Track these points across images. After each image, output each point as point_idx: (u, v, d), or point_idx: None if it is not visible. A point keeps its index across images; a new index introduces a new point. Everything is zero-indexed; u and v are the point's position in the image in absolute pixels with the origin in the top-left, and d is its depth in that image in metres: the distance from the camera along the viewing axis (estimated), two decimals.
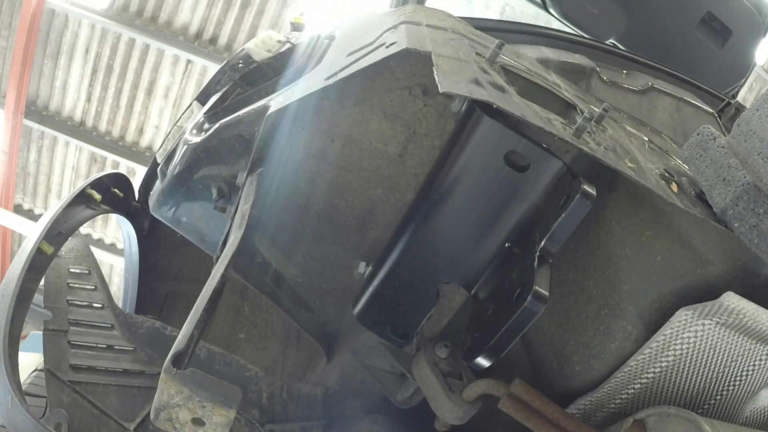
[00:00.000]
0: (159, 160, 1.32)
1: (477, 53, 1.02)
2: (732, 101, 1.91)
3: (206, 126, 1.18)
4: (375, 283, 1.07)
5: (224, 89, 1.44)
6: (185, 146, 1.13)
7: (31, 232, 1.25)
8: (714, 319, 0.82)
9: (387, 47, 0.96)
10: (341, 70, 0.98)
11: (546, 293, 0.80)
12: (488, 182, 0.91)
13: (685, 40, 2.52)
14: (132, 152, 6.73)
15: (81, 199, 1.37)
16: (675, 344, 0.85)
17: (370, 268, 1.12)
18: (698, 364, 0.87)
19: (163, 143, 1.41)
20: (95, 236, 7.02)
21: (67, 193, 1.48)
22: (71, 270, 1.41)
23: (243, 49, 1.60)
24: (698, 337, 0.84)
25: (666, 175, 0.96)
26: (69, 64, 6.45)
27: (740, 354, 0.86)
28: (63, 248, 1.41)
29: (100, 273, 1.45)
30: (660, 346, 0.86)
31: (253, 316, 1.66)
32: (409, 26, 1.07)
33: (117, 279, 6.99)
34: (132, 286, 1.64)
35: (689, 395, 0.90)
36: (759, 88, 6.58)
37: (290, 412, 1.34)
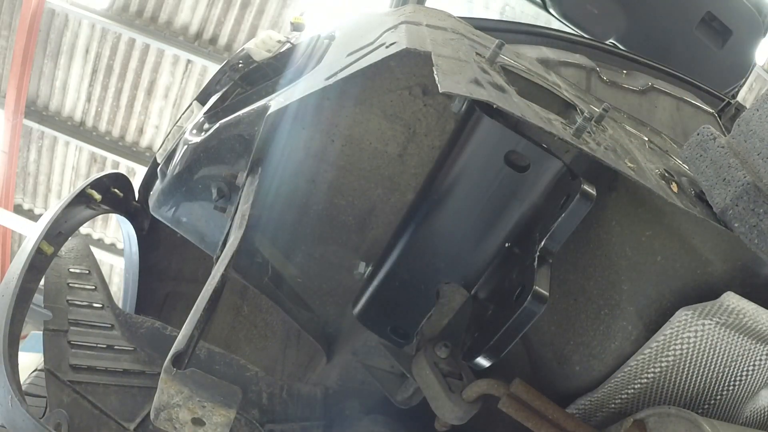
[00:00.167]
0: (159, 160, 1.32)
1: (477, 53, 1.02)
2: (732, 101, 1.91)
3: (206, 126, 1.18)
4: (375, 283, 1.07)
5: (224, 89, 1.44)
6: (185, 146, 1.13)
7: (31, 232, 1.25)
8: (714, 319, 0.82)
9: (387, 47, 0.96)
10: (341, 70, 0.98)
11: (546, 293, 0.80)
12: (488, 182, 0.91)
13: (685, 40, 2.52)
14: (132, 152, 6.73)
15: (81, 199, 1.37)
16: (675, 344, 0.85)
17: (370, 268, 1.12)
18: (698, 364, 0.87)
19: (163, 143, 1.41)
20: (95, 236, 7.02)
21: (67, 193, 1.48)
22: (71, 270, 1.41)
23: (243, 49, 1.60)
24: (698, 337, 0.84)
25: (666, 175, 0.96)
26: (69, 64, 6.45)
27: (740, 354, 0.86)
28: (63, 248, 1.41)
29: (100, 273, 1.45)
30: (660, 346, 0.86)
31: (253, 316, 1.66)
32: (409, 26, 1.07)
33: (117, 279, 6.99)
34: (132, 286, 1.65)
35: (689, 395, 0.90)
36: (759, 88, 6.58)
37: (290, 412, 1.34)
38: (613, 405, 0.93)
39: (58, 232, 1.26)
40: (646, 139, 1.25)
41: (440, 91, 0.77)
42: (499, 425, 1.03)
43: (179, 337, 0.72)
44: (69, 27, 6.37)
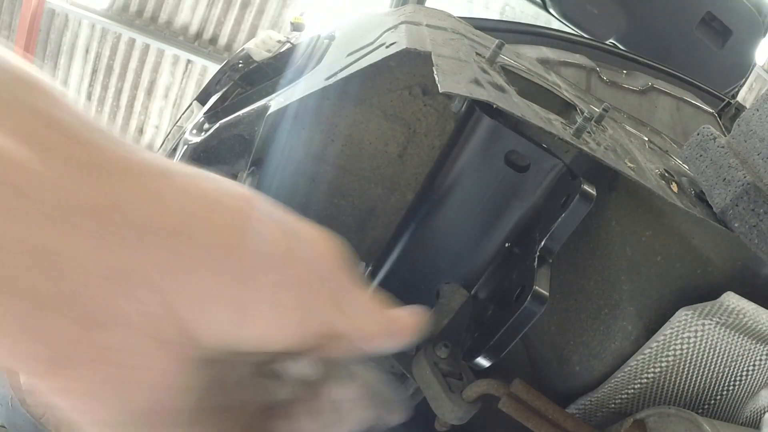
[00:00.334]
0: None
1: (477, 53, 1.02)
2: (732, 101, 1.91)
3: (206, 126, 1.18)
4: (374, 283, 1.07)
5: (224, 89, 1.44)
6: (185, 146, 1.14)
7: None
8: (714, 319, 0.82)
9: (387, 47, 0.96)
10: (341, 70, 0.98)
11: (546, 293, 0.80)
12: (488, 182, 0.91)
13: (685, 40, 2.52)
14: None
15: None
16: (675, 344, 0.85)
17: (369, 268, 1.13)
18: (698, 364, 0.87)
19: (163, 143, 1.41)
20: None
21: None
22: None
23: (243, 49, 1.60)
24: (698, 337, 0.84)
25: (666, 175, 0.96)
26: (69, 64, 6.46)
27: (740, 354, 0.86)
28: None
29: None
30: (660, 346, 0.86)
31: None
32: (409, 26, 1.07)
33: None
34: None
35: (689, 395, 0.90)
36: (759, 88, 6.59)
37: None
38: (613, 405, 0.93)
39: None
40: (646, 139, 1.25)
41: (440, 91, 0.77)
42: (499, 425, 1.03)
43: None
44: (69, 27, 6.37)
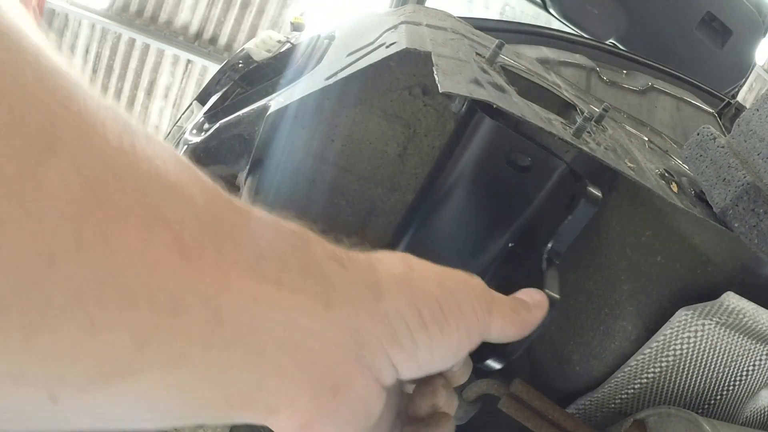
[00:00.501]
0: None
1: (477, 53, 1.02)
2: (732, 101, 1.91)
3: (206, 126, 1.18)
4: None
5: (224, 89, 1.44)
6: (185, 146, 1.14)
7: None
8: (714, 319, 0.82)
9: (387, 47, 0.96)
10: (341, 70, 0.98)
11: (557, 296, 0.80)
12: (490, 183, 0.91)
13: (685, 40, 2.52)
14: None
15: None
16: (675, 344, 0.85)
17: None
18: (698, 364, 0.87)
19: None
20: None
21: None
22: None
23: (243, 49, 1.60)
24: (698, 337, 0.84)
25: (666, 175, 0.96)
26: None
27: (740, 354, 0.86)
28: None
29: None
30: (660, 346, 0.86)
31: None
32: (409, 26, 1.07)
33: None
34: None
35: (689, 395, 0.90)
36: (759, 88, 6.59)
37: None
38: (613, 405, 0.94)
39: None
40: (646, 139, 1.25)
41: (440, 91, 0.77)
42: (499, 425, 1.03)
43: None
44: (69, 27, 6.37)
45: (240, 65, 1.52)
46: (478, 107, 0.88)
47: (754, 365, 0.88)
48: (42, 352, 0.19)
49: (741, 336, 0.84)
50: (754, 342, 0.85)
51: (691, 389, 0.90)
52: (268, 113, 1.01)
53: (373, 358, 0.30)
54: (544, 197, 0.90)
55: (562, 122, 0.87)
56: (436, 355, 0.33)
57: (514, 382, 0.90)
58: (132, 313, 0.20)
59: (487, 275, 0.99)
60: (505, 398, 0.88)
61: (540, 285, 0.82)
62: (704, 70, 2.45)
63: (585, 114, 0.86)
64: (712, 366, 0.87)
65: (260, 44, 1.62)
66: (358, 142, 1.03)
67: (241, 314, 0.23)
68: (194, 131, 1.18)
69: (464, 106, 0.94)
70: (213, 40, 6.42)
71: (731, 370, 0.88)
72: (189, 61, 6.41)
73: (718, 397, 0.91)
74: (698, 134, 1.00)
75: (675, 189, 0.91)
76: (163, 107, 6.60)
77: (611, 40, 2.61)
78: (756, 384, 0.90)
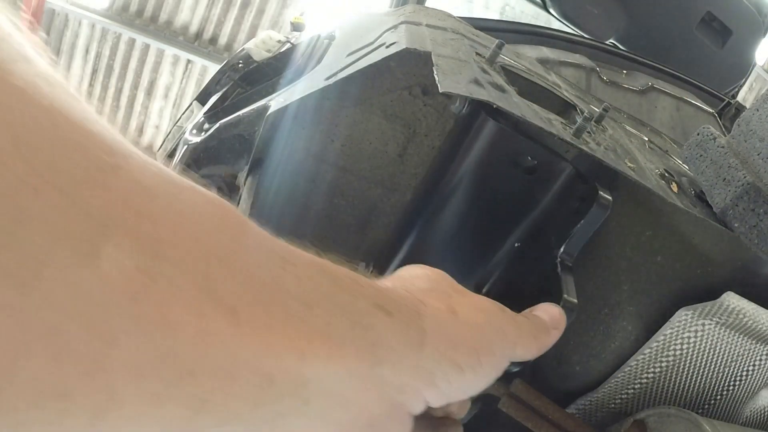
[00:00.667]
0: (159, 161, 1.32)
1: (477, 53, 1.02)
2: (732, 101, 1.91)
3: (206, 126, 1.18)
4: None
5: (224, 89, 1.44)
6: (185, 146, 1.14)
7: None
8: (714, 319, 0.82)
9: (387, 47, 0.96)
10: (341, 70, 0.98)
11: (575, 302, 0.80)
12: (495, 185, 0.91)
13: (685, 40, 2.52)
14: None
15: None
16: (675, 344, 0.85)
17: (370, 268, 1.13)
18: (698, 364, 0.87)
19: (163, 143, 1.41)
20: None
21: None
22: None
23: (243, 49, 1.60)
24: (698, 337, 0.84)
25: (666, 175, 0.96)
26: (69, 63, 6.46)
27: (740, 354, 0.86)
28: None
29: None
30: (660, 346, 0.86)
31: None
32: (409, 26, 1.07)
33: None
34: None
35: (689, 395, 0.90)
36: (759, 88, 6.59)
37: None
38: (613, 405, 0.94)
39: None
40: (646, 139, 1.25)
41: (440, 91, 0.77)
42: (499, 425, 1.04)
43: None
44: (69, 27, 6.37)
45: (240, 65, 1.52)
46: (482, 110, 0.87)
47: (754, 365, 0.88)
48: (109, 430, 0.20)
49: (741, 336, 0.84)
50: (754, 342, 0.85)
51: (691, 389, 0.90)
52: (268, 113, 1.01)
53: (409, 399, 0.31)
54: (551, 200, 0.90)
55: (562, 122, 0.87)
56: (466, 390, 0.35)
57: (514, 382, 0.90)
58: (191, 383, 0.21)
59: (494, 276, 0.99)
60: (505, 398, 0.88)
61: (552, 288, 0.81)
62: (704, 70, 2.45)
63: (585, 114, 0.86)
64: (712, 366, 0.87)
65: (260, 44, 1.62)
66: (358, 142, 1.03)
67: (290, 372, 0.25)
68: (194, 131, 1.18)
69: (465, 107, 0.94)
70: (213, 40, 6.42)
71: (731, 370, 0.88)
72: (189, 61, 6.41)
73: (718, 397, 0.91)
74: (698, 134, 1.00)
75: (675, 189, 0.91)
76: (163, 107, 6.60)
77: (611, 40, 2.61)
78: (756, 384, 0.90)
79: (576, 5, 2.69)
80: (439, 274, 0.40)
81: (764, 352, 0.87)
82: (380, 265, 1.08)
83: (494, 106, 0.77)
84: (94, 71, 6.50)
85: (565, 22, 2.79)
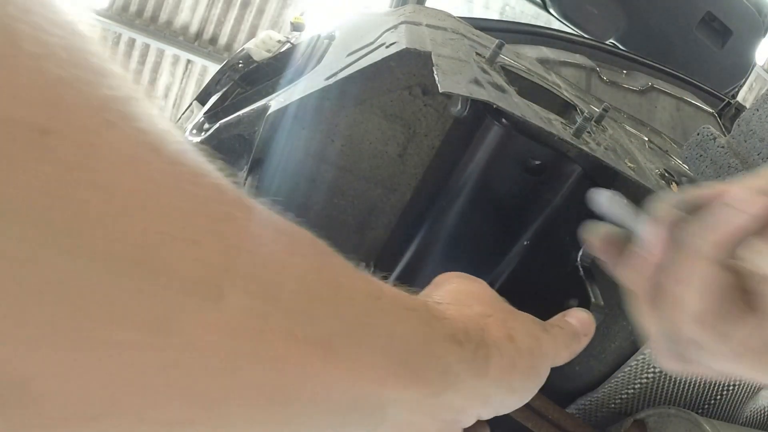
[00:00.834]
0: None
1: (477, 53, 1.02)
2: (732, 101, 1.91)
3: (206, 126, 1.18)
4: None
5: (224, 89, 1.44)
6: None
7: None
8: None
9: (387, 47, 0.96)
10: (341, 70, 0.98)
11: (602, 304, 0.80)
12: (505, 187, 0.91)
13: (685, 40, 2.52)
14: None
15: None
16: None
17: (371, 268, 1.12)
18: None
19: None
20: None
21: None
22: None
23: (243, 49, 1.60)
24: None
25: (666, 175, 0.96)
26: None
27: None
28: None
29: None
30: None
31: None
32: (409, 26, 1.07)
33: None
34: None
35: (689, 395, 0.90)
36: (759, 88, 6.59)
37: None
38: (613, 405, 0.94)
39: None
40: (646, 139, 1.25)
41: (440, 91, 0.77)
42: (499, 425, 1.03)
43: None
44: None
45: (240, 65, 1.52)
46: (488, 113, 0.87)
47: None
48: None
49: None
50: None
51: (691, 389, 0.90)
52: (268, 113, 1.01)
53: (465, 417, 0.35)
54: (561, 200, 0.90)
55: (562, 122, 0.87)
56: (513, 406, 0.39)
57: None
58: (292, 407, 0.25)
59: (506, 273, 0.98)
60: None
61: (571, 286, 0.81)
62: (704, 70, 2.45)
63: (585, 114, 0.86)
64: None
65: (260, 44, 1.62)
66: (358, 142, 1.03)
67: (371, 397, 0.29)
68: (194, 131, 1.18)
69: (467, 109, 0.94)
70: (213, 40, 6.42)
71: None
72: (189, 61, 6.41)
73: (718, 397, 0.91)
74: (698, 134, 1.00)
75: (675, 189, 0.91)
76: (163, 107, 6.60)
77: (611, 40, 2.61)
78: (756, 384, 0.90)
79: (576, 5, 2.69)
80: (488, 292, 0.43)
81: None
82: (385, 264, 1.08)
83: (494, 106, 0.77)
84: None
85: (565, 22, 2.79)
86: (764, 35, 2.62)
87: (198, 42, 6.45)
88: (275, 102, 1.03)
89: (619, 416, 0.92)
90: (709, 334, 0.37)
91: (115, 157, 0.18)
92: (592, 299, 0.79)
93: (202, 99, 1.55)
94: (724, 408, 0.92)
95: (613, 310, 0.95)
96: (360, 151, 1.04)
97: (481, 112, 0.88)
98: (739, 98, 2.54)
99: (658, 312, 0.41)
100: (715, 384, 0.90)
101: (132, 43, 6.39)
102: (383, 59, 0.94)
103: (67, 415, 0.19)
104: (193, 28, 6.44)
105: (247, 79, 1.46)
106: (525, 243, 0.95)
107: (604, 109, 0.97)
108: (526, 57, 1.39)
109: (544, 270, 0.92)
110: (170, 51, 6.39)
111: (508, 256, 0.96)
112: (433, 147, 1.03)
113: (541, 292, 0.90)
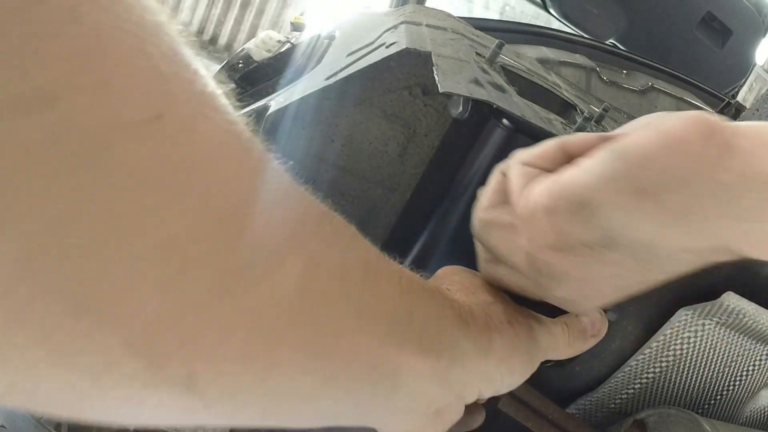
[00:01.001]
0: None
1: (477, 53, 1.02)
2: (732, 101, 1.91)
3: None
4: None
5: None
6: None
7: None
8: (714, 319, 0.82)
9: (387, 47, 0.96)
10: (341, 70, 0.98)
11: (615, 314, 0.80)
12: None
13: (685, 40, 2.52)
14: None
15: None
16: (675, 344, 0.85)
17: None
18: (698, 364, 0.87)
19: None
20: None
21: None
22: None
23: (243, 49, 1.60)
24: (698, 337, 0.84)
25: None
26: None
27: (740, 354, 0.86)
28: None
29: None
30: (660, 346, 0.86)
31: None
32: (409, 26, 1.07)
33: None
34: None
35: (689, 395, 0.90)
36: (759, 88, 6.59)
37: None
38: (613, 405, 0.94)
39: None
40: None
41: (440, 91, 0.77)
42: (499, 425, 1.04)
43: None
44: None
45: (240, 65, 1.52)
46: (492, 115, 0.87)
47: (754, 365, 0.88)
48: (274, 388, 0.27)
49: (741, 336, 0.84)
50: (754, 342, 0.85)
51: (691, 389, 0.90)
52: (268, 113, 1.01)
53: (469, 394, 0.39)
54: None
55: (562, 122, 0.87)
56: (511, 386, 0.43)
57: None
58: (328, 366, 0.29)
59: None
60: (505, 398, 0.88)
61: None
62: (704, 70, 2.45)
63: (585, 114, 0.86)
64: (712, 366, 0.87)
65: (260, 44, 1.62)
66: (358, 142, 1.03)
67: (390, 362, 0.32)
68: None
69: (468, 111, 0.94)
70: (213, 40, 6.42)
71: (731, 370, 0.88)
72: None
73: (718, 397, 0.91)
74: None
75: None
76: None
77: (611, 40, 2.61)
78: (756, 384, 0.90)
79: (576, 5, 2.69)
80: (489, 284, 0.46)
81: (764, 352, 0.87)
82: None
83: (494, 106, 0.77)
84: None
85: (565, 22, 2.79)
86: (764, 35, 2.62)
87: (198, 42, 6.45)
88: (275, 102, 1.03)
89: (619, 416, 0.92)
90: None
91: (209, 141, 0.22)
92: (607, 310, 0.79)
93: None
94: (724, 408, 0.92)
95: (612, 310, 0.95)
96: (360, 151, 1.04)
97: (484, 114, 0.88)
98: (739, 98, 2.54)
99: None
100: (715, 384, 0.90)
101: None
102: (383, 59, 0.94)
103: None
104: (193, 28, 6.44)
105: (247, 79, 1.46)
106: None
107: (604, 109, 0.97)
108: (526, 57, 1.39)
109: None
110: None
111: None
112: (433, 147, 1.03)
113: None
